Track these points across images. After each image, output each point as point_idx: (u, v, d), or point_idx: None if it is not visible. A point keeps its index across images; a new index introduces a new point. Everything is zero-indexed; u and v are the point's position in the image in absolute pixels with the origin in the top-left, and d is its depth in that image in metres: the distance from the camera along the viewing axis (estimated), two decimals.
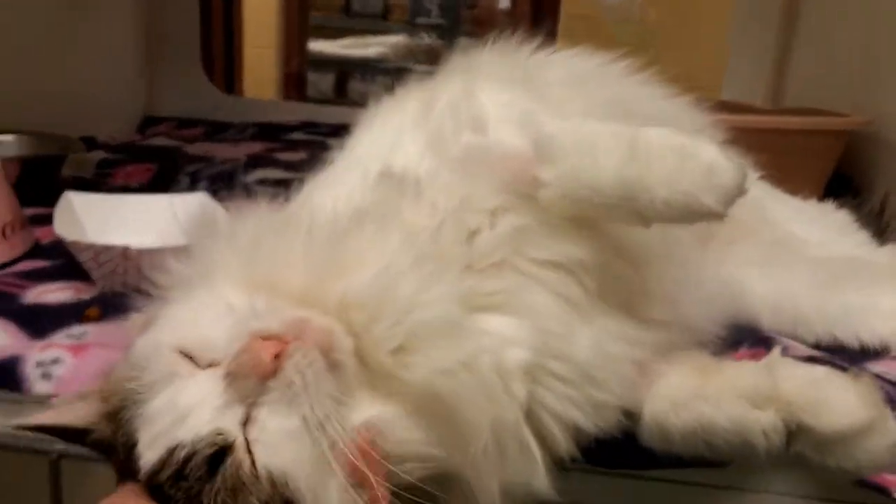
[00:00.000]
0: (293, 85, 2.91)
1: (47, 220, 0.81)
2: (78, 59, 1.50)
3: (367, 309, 0.45)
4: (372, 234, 0.49)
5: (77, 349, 0.63)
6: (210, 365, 0.44)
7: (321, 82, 3.06)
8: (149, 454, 0.43)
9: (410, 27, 3.05)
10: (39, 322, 0.68)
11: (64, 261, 0.80)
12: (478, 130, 0.56)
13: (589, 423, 0.51)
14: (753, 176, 0.88)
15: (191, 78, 1.81)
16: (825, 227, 0.84)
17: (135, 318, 0.54)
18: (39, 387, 0.60)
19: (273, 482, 0.41)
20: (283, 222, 0.52)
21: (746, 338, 0.71)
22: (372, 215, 0.50)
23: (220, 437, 0.41)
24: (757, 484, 0.57)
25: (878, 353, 0.73)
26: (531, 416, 0.49)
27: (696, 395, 0.51)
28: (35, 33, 1.39)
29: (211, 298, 0.48)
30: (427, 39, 3.06)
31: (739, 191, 0.47)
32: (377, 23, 3.07)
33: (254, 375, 0.42)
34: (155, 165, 1.29)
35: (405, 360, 0.45)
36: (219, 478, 0.41)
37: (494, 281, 0.50)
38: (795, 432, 0.49)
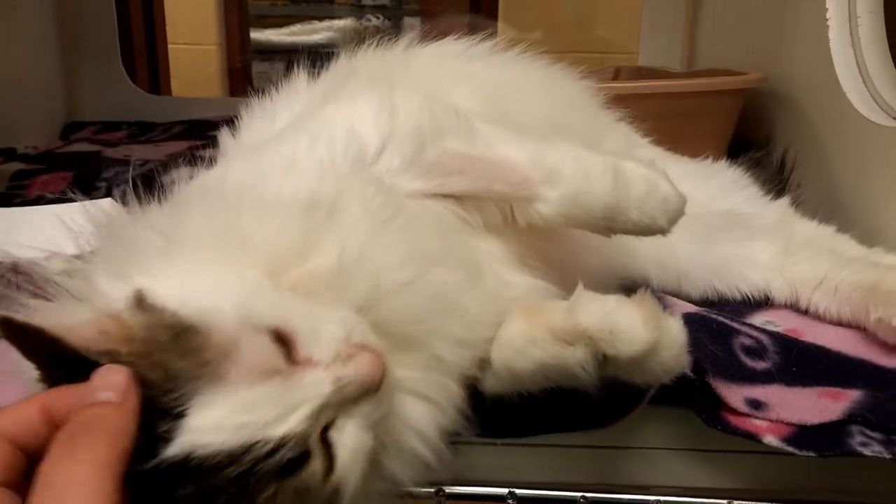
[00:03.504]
0: (238, 79, 2.87)
1: None
2: None
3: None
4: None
5: None
6: (305, 361, 0.44)
7: (269, 72, 3.04)
8: (209, 438, 0.40)
9: (357, 10, 3.02)
10: None
11: None
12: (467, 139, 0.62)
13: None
14: (644, 141, 0.91)
15: (113, 80, 1.78)
16: (714, 186, 0.87)
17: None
18: None
19: (337, 494, 0.43)
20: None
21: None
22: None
23: (307, 440, 0.42)
24: (634, 441, 0.59)
25: (760, 303, 0.77)
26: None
27: (529, 342, 0.55)
28: None
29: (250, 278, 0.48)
30: (374, 21, 3.04)
31: (681, 214, 0.61)
32: (323, 7, 3.04)
33: (363, 388, 0.44)
34: (72, 173, 1.27)
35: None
36: (290, 481, 0.41)
37: None
38: (603, 361, 0.53)
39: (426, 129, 0.61)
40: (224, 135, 0.74)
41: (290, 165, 0.57)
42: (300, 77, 0.76)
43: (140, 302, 0.44)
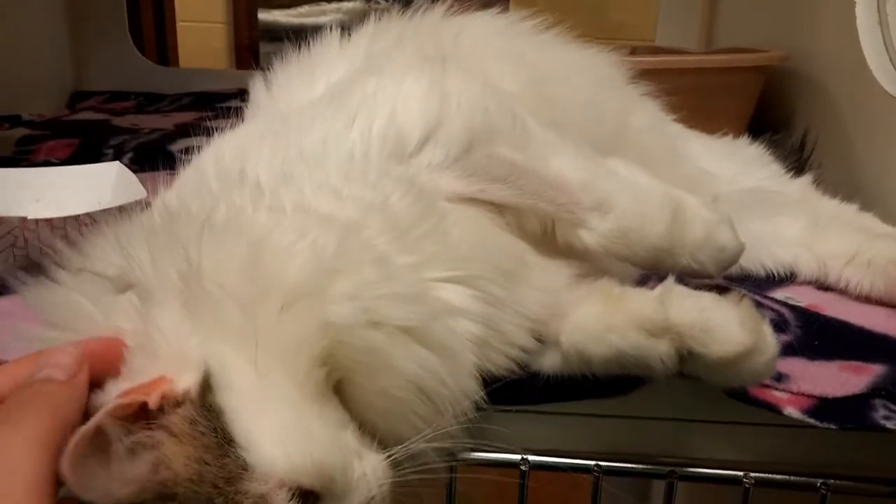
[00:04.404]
0: (245, 58, 2.85)
1: None
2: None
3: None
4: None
5: None
6: None
7: (276, 54, 3.00)
8: None
9: None
10: None
11: None
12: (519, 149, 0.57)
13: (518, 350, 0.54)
14: (669, 118, 0.89)
15: (121, 50, 1.76)
16: (737, 162, 0.86)
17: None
18: None
19: None
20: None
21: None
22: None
23: None
24: (649, 411, 0.58)
25: (783, 279, 0.75)
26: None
27: (606, 328, 0.53)
28: None
29: None
30: (383, 3, 3.01)
31: (735, 263, 0.59)
32: None
33: None
34: (78, 140, 1.26)
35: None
36: None
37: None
38: (686, 357, 0.51)
39: (477, 126, 0.57)
40: (258, 87, 0.71)
41: (320, 157, 0.53)
42: (332, 37, 0.71)
43: (205, 392, 0.42)
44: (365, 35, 0.71)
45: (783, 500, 0.58)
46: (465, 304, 0.51)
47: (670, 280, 0.54)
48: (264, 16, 2.94)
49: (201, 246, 0.44)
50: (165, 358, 0.43)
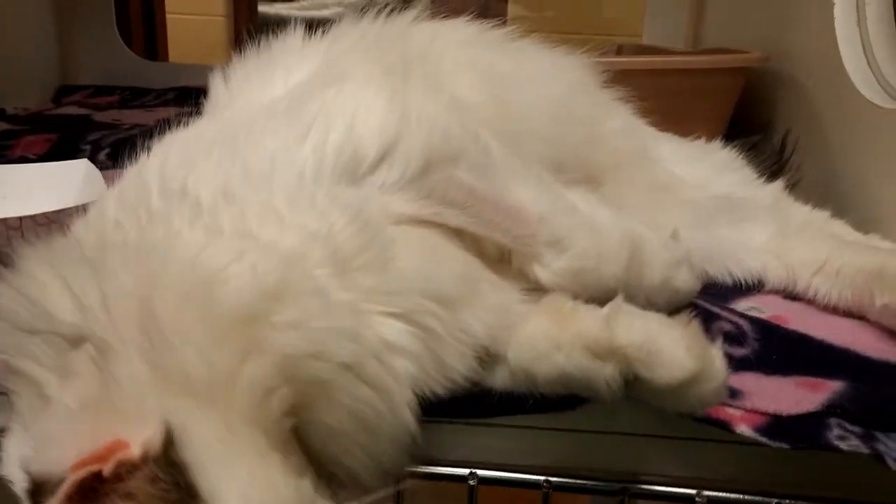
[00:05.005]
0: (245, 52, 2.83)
1: None
2: None
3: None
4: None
5: None
6: None
7: None
8: None
9: None
10: None
11: None
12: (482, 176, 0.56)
13: (459, 375, 0.53)
14: (641, 122, 0.87)
15: (107, 44, 1.75)
16: (707, 167, 0.85)
17: None
18: None
19: None
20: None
21: None
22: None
23: None
24: (601, 425, 0.57)
25: (750, 287, 0.74)
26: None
27: (553, 346, 0.53)
28: None
29: None
30: None
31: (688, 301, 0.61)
32: None
33: None
34: (56, 135, 1.25)
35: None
36: None
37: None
38: (632, 381, 0.51)
39: (436, 147, 0.55)
40: (217, 82, 0.69)
41: (267, 177, 0.51)
42: (295, 36, 0.70)
43: (168, 449, 0.41)
44: (328, 36, 0.70)
45: None
46: (402, 341, 0.49)
47: (619, 299, 0.53)
48: (265, 9, 2.91)
49: (155, 288, 0.44)
50: (125, 412, 0.42)
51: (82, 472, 0.39)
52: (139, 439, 0.41)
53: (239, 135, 0.56)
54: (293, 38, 0.70)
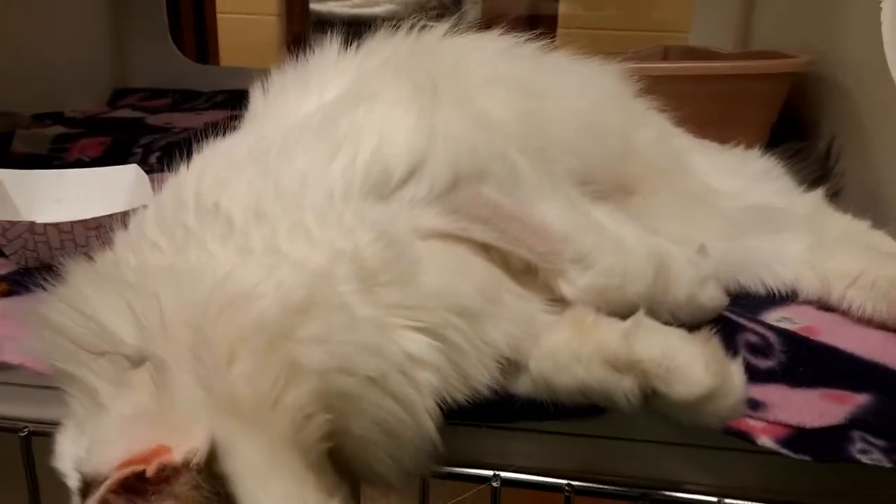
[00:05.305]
0: (296, 52, 2.87)
1: None
2: (40, 33, 1.51)
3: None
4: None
5: None
6: None
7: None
8: None
9: None
10: None
11: None
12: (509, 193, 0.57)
13: (482, 385, 0.54)
14: (677, 130, 0.87)
15: (159, 48, 1.81)
16: (743, 177, 0.84)
17: None
18: None
19: None
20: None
21: None
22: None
23: None
24: (623, 432, 0.58)
25: (784, 298, 0.74)
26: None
27: (573, 358, 0.54)
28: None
29: None
30: None
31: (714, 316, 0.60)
32: None
33: None
34: (110, 138, 1.30)
35: None
36: None
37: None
38: (651, 395, 0.51)
39: (464, 165, 0.56)
40: (256, 93, 0.72)
41: (298, 195, 0.53)
42: (332, 48, 0.72)
43: (211, 461, 0.44)
44: (362, 51, 0.72)
45: None
46: (425, 354, 0.51)
47: (640, 313, 0.54)
48: (317, 6, 2.94)
49: (198, 311, 0.46)
50: (176, 426, 0.44)
51: (126, 471, 0.42)
52: (184, 449, 0.43)
53: (271, 152, 0.58)
54: (329, 52, 0.72)
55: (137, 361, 0.47)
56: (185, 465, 0.43)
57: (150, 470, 0.42)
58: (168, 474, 0.43)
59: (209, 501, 0.44)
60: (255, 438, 0.45)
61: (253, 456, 0.45)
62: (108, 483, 0.41)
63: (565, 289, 0.57)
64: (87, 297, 0.49)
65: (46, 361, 0.50)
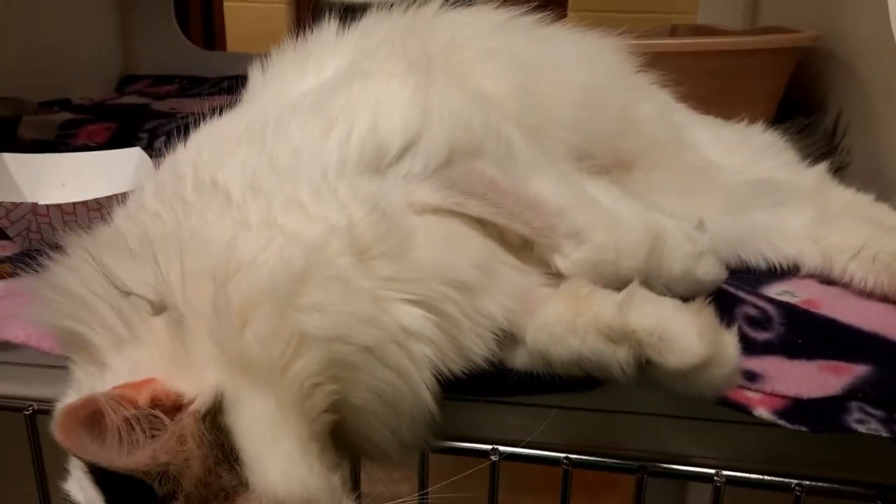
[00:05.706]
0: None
1: None
2: (49, 21, 1.52)
3: None
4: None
5: None
6: None
7: None
8: None
9: None
10: None
11: None
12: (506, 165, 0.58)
13: (479, 356, 0.55)
14: (679, 105, 0.86)
15: (166, 35, 1.82)
16: (746, 152, 0.83)
17: None
18: None
19: None
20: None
21: None
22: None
23: None
24: (621, 405, 0.58)
25: (786, 272, 0.73)
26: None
27: (569, 329, 0.54)
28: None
29: None
30: None
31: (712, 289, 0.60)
32: None
33: None
34: (116, 124, 1.31)
35: None
36: None
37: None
38: (645, 365, 0.51)
39: (459, 141, 0.57)
40: (255, 72, 0.73)
41: (293, 170, 0.53)
42: (330, 28, 0.72)
43: (217, 412, 0.45)
44: (358, 30, 0.71)
45: (758, 500, 0.57)
46: (420, 327, 0.51)
47: (635, 283, 0.54)
48: None
49: (223, 276, 0.47)
50: (185, 376, 0.45)
51: (120, 390, 0.43)
52: (189, 391, 0.44)
53: (268, 128, 0.58)
54: (328, 32, 0.72)
55: (160, 308, 0.47)
56: (194, 409, 0.44)
57: (143, 399, 0.43)
58: (166, 409, 0.44)
59: (211, 452, 0.44)
60: (264, 399, 0.45)
61: (260, 414, 0.45)
62: (102, 393, 0.42)
63: (560, 263, 0.58)
64: (98, 259, 0.49)
65: (49, 323, 0.51)
